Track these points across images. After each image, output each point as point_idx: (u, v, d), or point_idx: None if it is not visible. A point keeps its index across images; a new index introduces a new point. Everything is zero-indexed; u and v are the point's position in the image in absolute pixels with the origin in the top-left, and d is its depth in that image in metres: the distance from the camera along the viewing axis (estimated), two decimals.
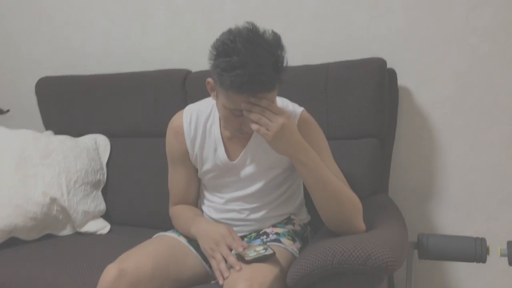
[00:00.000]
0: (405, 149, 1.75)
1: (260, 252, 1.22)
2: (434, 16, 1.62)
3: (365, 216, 1.31)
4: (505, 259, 1.50)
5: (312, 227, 1.52)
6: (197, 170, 1.47)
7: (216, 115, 1.38)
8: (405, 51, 1.68)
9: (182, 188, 1.47)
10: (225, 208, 1.44)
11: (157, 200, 1.83)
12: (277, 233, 1.39)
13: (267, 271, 1.18)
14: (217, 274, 1.22)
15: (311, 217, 1.54)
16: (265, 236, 1.38)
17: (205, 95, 1.75)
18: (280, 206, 1.44)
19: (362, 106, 1.56)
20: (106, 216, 1.86)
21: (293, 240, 1.39)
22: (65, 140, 1.86)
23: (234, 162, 1.38)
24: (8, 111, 2.26)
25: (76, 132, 2.00)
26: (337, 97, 1.59)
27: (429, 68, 1.66)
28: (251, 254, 1.21)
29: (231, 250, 1.25)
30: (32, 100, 2.17)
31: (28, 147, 1.74)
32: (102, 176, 1.89)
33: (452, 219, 1.74)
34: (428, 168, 1.74)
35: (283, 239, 1.37)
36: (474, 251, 1.49)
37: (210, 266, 1.40)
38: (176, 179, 1.48)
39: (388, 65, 1.63)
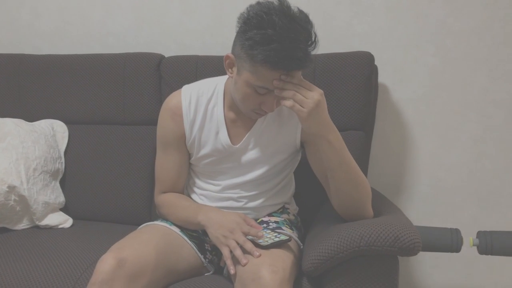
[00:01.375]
0: (380, 144, 1.79)
1: (275, 237, 1.17)
2: (414, 17, 1.69)
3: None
4: (475, 249, 1.59)
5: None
6: (189, 156, 1.38)
7: (219, 96, 1.31)
8: (384, 48, 1.72)
9: (173, 174, 1.37)
10: (220, 196, 1.36)
11: (121, 194, 1.72)
12: (276, 222, 1.35)
13: (285, 256, 1.13)
14: (229, 262, 1.14)
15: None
16: (265, 225, 1.33)
17: (182, 80, 1.67)
18: (277, 195, 1.40)
19: (350, 99, 1.57)
20: (63, 209, 1.68)
21: (291, 229, 1.36)
22: (20, 123, 1.65)
23: (237, 146, 1.31)
24: None
25: (26, 117, 1.79)
26: (325, 88, 1.57)
27: (406, 66, 1.72)
28: (267, 239, 1.15)
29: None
30: None
31: None
32: (61, 165, 1.71)
33: (420, 212, 1.80)
34: (400, 164, 1.79)
35: (283, 228, 1.33)
36: (450, 241, 1.55)
37: (205, 257, 1.32)
38: (167, 165, 1.37)
39: None
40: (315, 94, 1.09)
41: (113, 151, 1.75)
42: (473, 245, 1.54)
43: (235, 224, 1.18)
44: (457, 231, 1.55)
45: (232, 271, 1.13)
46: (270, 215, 1.39)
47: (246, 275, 1.07)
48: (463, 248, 1.48)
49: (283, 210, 1.42)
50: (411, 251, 1.06)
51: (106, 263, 1.10)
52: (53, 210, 1.60)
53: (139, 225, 1.67)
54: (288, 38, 1.05)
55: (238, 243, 1.15)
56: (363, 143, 1.60)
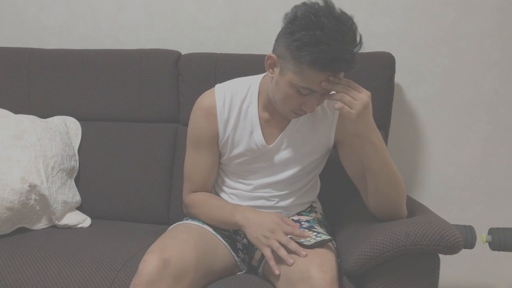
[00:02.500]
0: (394, 143, 1.82)
1: (316, 237, 1.18)
2: (429, 18, 1.72)
3: None
4: (485, 245, 1.64)
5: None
6: (220, 156, 1.37)
7: (253, 96, 1.31)
8: (400, 48, 1.75)
9: (204, 174, 1.36)
10: (252, 195, 1.36)
11: (136, 193, 1.70)
12: (307, 221, 1.36)
13: (330, 256, 1.15)
14: (272, 263, 1.14)
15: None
16: (298, 224, 1.34)
17: (200, 78, 1.66)
18: (306, 194, 1.41)
19: (373, 99, 1.59)
20: (79, 208, 1.64)
21: (321, 227, 1.37)
22: (34, 119, 1.61)
23: (270, 146, 1.31)
24: None
25: (38, 113, 1.74)
26: None
27: (420, 66, 1.76)
28: (309, 239, 1.16)
29: None
30: None
31: None
32: (75, 163, 1.67)
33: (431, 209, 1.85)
34: (412, 162, 1.83)
35: (315, 226, 1.34)
36: (465, 238, 1.60)
37: (237, 256, 1.32)
38: (198, 164, 1.36)
39: None
40: (364, 96, 1.11)
41: (129, 149, 1.72)
42: (486, 241, 1.60)
43: (275, 224, 1.19)
44: (471, 228, 1.60)
45: (276, 272, 1.13)
46: (299, 214, 1.40)
47: (294, 275, 1.08)
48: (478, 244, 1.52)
49: (311, 209, 1.43)
50: (455, 249, 1.08)
51: (151, 264, 1.09)
52: (70, 209, 1.57)
53: (157, 224, 1.68)
54: (336, 39, 1.06)
55: (281, 243, 1.15)
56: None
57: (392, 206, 1.22)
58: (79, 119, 1.76)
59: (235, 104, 1.31)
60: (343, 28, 1.08)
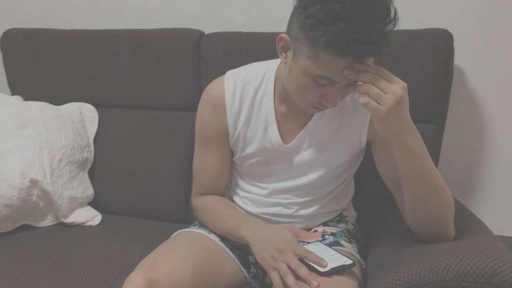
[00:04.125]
0: (452, 137, 1.54)
1: (337, 260, 0.96)
2: None
3: None
4: None
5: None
6: (232, 154, 1.18)
7: (269, 85, 1.09)
8: (463, 24, 1.45)
9: (213, 175, 1.18)
10: (268, 202, 1.16)
11: (155, 187, 1.54)
12: (332, 234, 1.14)
13: (348, 285, 0.93)
14: None
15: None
16: (321, 239, 1.12)
17: (224, 61, 1.47)
18: (334, 201, 1.19)
19: (424, 87, 1.33)
20: (92, 203, 1.52)
21: (350, 242, 1.15)
22: (45, 107, 1.49)
23: (288, 145, 1.10)
24: None
25: (53, 99, 1.62)
26: (393, 72, 1.35)
27: (488, 46, 1.45)
28: (327, 265, 0.95)
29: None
30: None
31: (1, 114, 1.37)
32: (89, 154, 1.54)
33: (496, 218, 1.56)
34: (474, 160, 1.55)
35: (342, 242, 1.12)
36: None
37: (248, 272, 1.14)
38: (206, 163, 1.18)
39: None
40: (397, 88, 0.86)
41: (148, 138, 1.57)
42: None
43: (286, 243, 0.98)
44: None
45: None
46: (325, 224, 1.19)
47: None
48: None
49: (340, 218, 1.21)
50: None
51: (135, 284, 0.93)
52: (80, 205, 1.44)
53: (174, 222, 1.52)
54: (360, 15, 0.82)
55: (289, 267, 0.95)
56: (435, 137, 1.36)
57: (434, 223, 0.97)
58: (96, 105, 1.63)
59: (247, 94, 1.10)
60: (370, 0, 0.83)
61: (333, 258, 0.97)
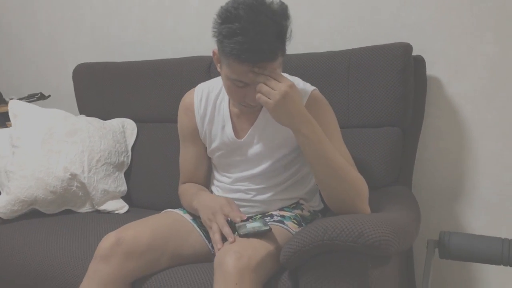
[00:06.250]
0: (432, 143, 1.64)
1: (256, 227, 1.18)
2: (468, 2, 1.53)
3: (375, 202, 1.26)
4: None
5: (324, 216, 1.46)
6: (206, 149, 1.45)
7: (225, 92, 1.36)
8: (436, 39, 1.59)
9: (191, 166, 1.46)
10: (232, 188, 1.41)
11: (177, 186, 1.83)
12: (282, 216, 1.34)
13: (260, 246, 1.14)
14: (215, 246, 1.19)
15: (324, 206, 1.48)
16: (269, 218, 1.34)
17: None
18: (288, 189, 1.39)
19: (384, 93, 1.49)
20: (127, 197, 1.88)
21: (299, 225, 1.34)
22: (92, 121, 1.90)
23: (241, 140, 1.35)
24: (49, 96, 2.36)
25: (106, 116, 2.04)
26: (359, 83, 1.53)
27: (461, 57, 1.56)
28: (246, 228, 1.17)
29: (228, 221, 1.22)
30: (71, 86, 2.25)
31: (56, 125, 1.79)
32: (127, 158, 1.91)
33: (482, 221, 1.61)
34: (457, 165, 1.63)
35: (287, 222, 1.32)
36: (501, 253, 1.37)
37: (212, 246, 1.38)
38: (185, 157, 1.47)
39: (417, 53, 1.56)
40: (283, 86, 1.10)
41: (176, 147, 1.88)
42: None
43: (218, 206, 1.23)
44: (509, 242, 1.36)
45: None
46: (281, 209, 1.39)
47: (216, 261, 1.11)
48: None
49: (296, 205, 1.40)
50: (377, 249, 0.99)
51: (107, 241, 1.23)
52: (113, 198, 1.80)
53: None
54: (253, 30, 1.07)
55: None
56: (397, 140, 1.50)
57: (342, 201, 1.16)
58: (136, 120, 2.01)
59: (210, 100, 1.39)
60: (263, 19, 1.09)
61: (256, 225, 1.19)
